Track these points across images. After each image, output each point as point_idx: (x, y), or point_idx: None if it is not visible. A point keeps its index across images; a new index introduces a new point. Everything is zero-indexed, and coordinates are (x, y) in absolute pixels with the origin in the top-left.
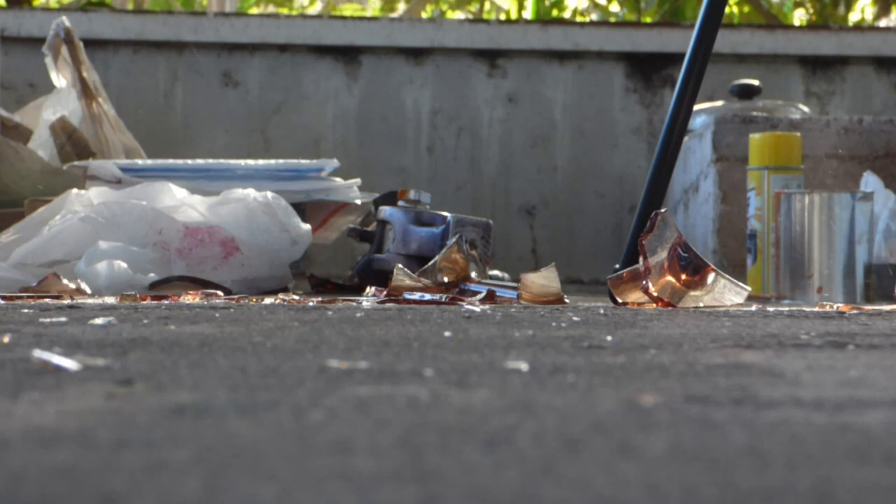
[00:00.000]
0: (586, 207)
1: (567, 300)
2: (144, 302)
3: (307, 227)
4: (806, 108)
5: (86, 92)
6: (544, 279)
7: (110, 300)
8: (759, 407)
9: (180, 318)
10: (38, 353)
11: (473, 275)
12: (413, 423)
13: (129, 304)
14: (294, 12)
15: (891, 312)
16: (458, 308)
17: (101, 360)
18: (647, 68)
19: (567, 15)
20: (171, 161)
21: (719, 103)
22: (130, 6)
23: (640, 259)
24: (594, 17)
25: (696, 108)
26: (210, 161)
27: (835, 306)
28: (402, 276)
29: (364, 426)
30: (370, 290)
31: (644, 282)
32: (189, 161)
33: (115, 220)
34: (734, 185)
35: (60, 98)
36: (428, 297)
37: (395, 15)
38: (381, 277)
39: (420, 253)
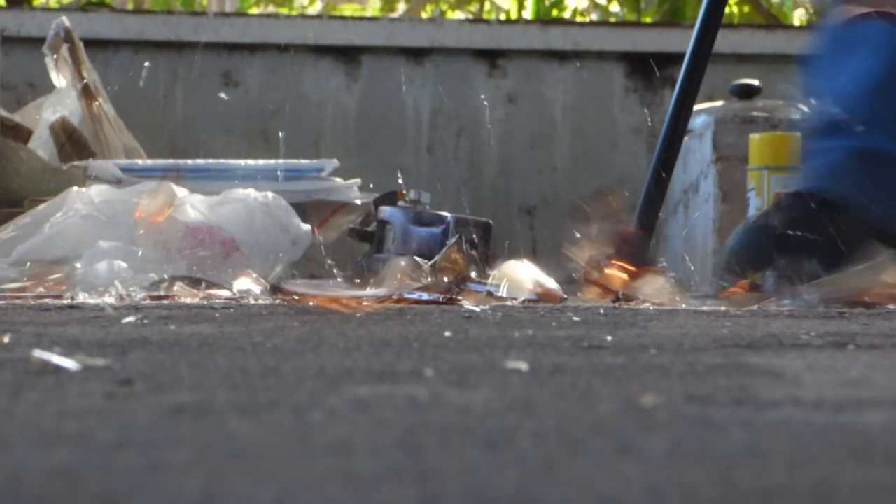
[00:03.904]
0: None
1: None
2: (145, 302)
3: (307, 227)
4: (806, 109)
5: (86, 92)
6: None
7: (110, 300)
8: (759, 407)
9: (180, 318)
10: (38, 353)
11: (473, 275)
12: (413, 423)
13: (128, 303)
14: (294, 12)
15: (891, 312)
16: (458, 308)
17: (101, 360)
18: (647, 68)
19: (567, 15)
20: (171, 161)
21: (719, 103)
22: (130, 6)
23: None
24: (594, 17)
25: (696, 108)
26: (210, 161)
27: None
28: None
29: (364, 426)
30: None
31: (593, 273)
32: (189, 161)
33: (116, 219)
34: (734, 185)
35: (60, 98)
36: (426, 296)
37: (395, 15)
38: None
39: (420, 253)
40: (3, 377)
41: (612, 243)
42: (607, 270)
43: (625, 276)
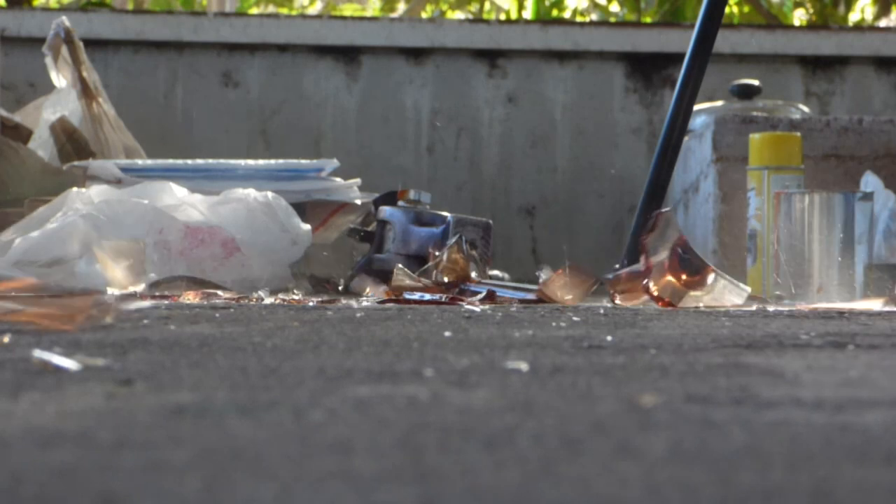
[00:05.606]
0: (586, 207)
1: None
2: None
3: (307, 227)
4: (806, 108)
5: (86, 92)
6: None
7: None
8: (759, 407)
9: (180, 318)
10: (38, 353)
11: (473, 275)
12: (413, 424)
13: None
14: (294, 12)
15: (891, 312)
16: (458, 308)
17: (101, 360)
18: (647, 68)
19: (567, 15)
20: (171, 161)
21: (719, 103)
22: (130, 6)
23: (641, 258)
24: (594, 17)
25: (696, 108)
26: (210, 161)
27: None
28: (402, 276)
29: (364, 426)
30: (370, 290)
31: (645, 281)
32: (189, 161)
33: (116, 219)
34: (734, 185)
35: (60, 98)
36: (428, 297)
37: (395, 15)
38: (382, 277)
39: (420, 253)
40: (3, 377)
41: (665, 252)
42: (666, 279)
43: (682, 284)
